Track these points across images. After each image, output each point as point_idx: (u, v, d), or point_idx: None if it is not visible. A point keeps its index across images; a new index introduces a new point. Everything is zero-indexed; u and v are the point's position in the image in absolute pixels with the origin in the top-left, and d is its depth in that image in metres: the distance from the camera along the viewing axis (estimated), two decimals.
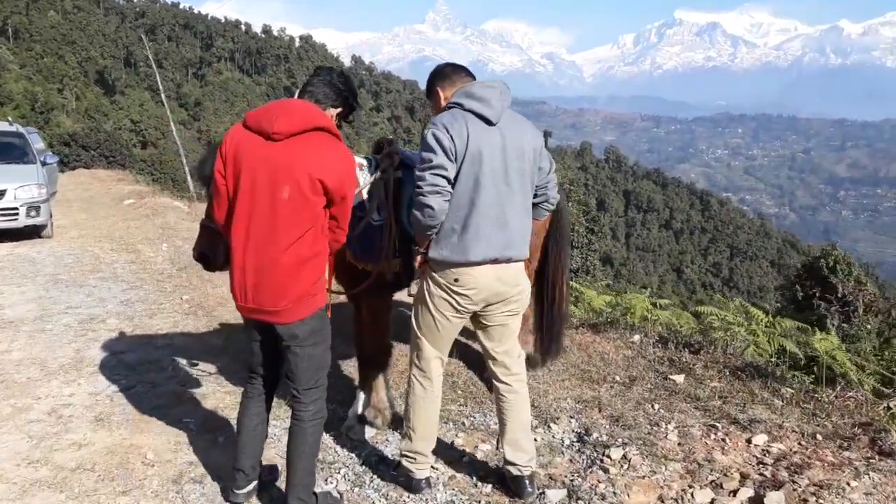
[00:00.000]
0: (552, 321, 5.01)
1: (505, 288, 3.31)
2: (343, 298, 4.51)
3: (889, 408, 4.50)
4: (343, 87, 3.38)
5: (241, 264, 3.00)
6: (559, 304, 5.00)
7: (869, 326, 9.27)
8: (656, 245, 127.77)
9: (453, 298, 3.29)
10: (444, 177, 3.16)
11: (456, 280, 3.26)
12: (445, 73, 3.55)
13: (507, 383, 3.48)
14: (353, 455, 3.98)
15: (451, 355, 5.16)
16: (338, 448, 4.06)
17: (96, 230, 11.88)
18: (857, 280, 22.51)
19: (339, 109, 3.37)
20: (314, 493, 3.32)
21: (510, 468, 3.51)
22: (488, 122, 3.20)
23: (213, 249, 3.39)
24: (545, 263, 4.93)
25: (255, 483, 3.45)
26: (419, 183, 3.18)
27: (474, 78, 3.52)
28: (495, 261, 3.24)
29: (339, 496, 3.53)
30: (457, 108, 3.25)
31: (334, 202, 3.03)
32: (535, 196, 3.46)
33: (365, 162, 3.93)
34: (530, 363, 5.17)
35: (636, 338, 5.97)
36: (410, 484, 3.55)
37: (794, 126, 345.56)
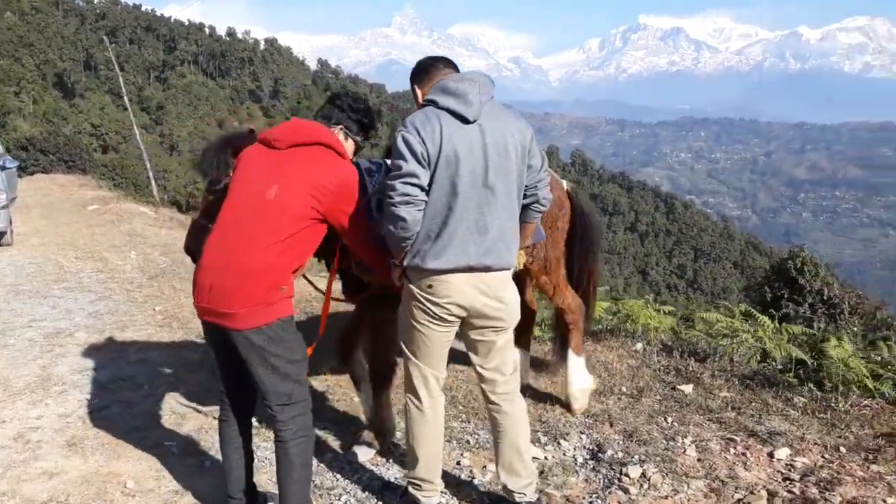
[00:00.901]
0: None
1: (484, 300, 2.99)
2: (342, 307, 4.25)
3: None
4: (343, 104, 3.30)
5: (206, 261, 2.94)
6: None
7: (855, 329, 9.22)
8: (622, 247, 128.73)
9: (428, 307, 2.99)
10: (415, 185, 2.84)
11: (429, 287, 2.97)
12: (423, 67, 3.26)
13: (495, 403, 3.19)
14: (354, 480, 3.69)
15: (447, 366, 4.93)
16: (336, 472, 3.76)
17: (59, 237, 11.37)
18: (825, 281, 22.69)
19: (340, 126, 3.25)
20: None
21: (507, 494, 3.26)
22: (465, 120, 2.89)
23: (199, 245, 3.29)
24: (571, 268, 4.62)
25: None
26: (389, 193, 2.88)
27: (457, 69, 3.21)
28: (470, 269, 2.93)
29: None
30: (430, 107, 2.96)
31: (332, 216, 2.97)
32: (525, 196, 3.09)
33: (374, 167, 3.65)
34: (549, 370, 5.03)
35: (638, 346, 5.75)
36: None
37: (755, 130, 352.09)
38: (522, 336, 4.88)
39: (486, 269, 2.95)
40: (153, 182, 21.92)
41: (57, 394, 4.81)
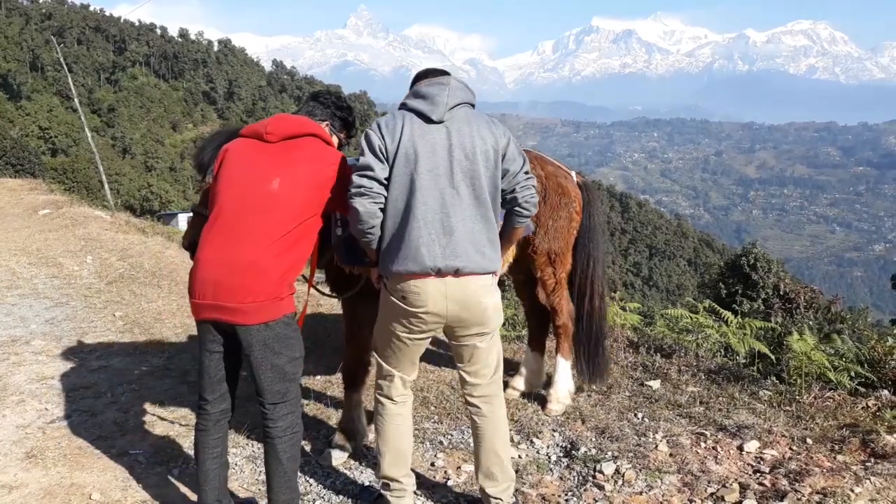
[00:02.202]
0: (588, 338, 4.57)
1: (457, 307, 2.93)
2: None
3: (868, 407, 4.45)
4: (328, 101, 3.40)
5: (208, 256, 2.90)
6: (591, 318, 4.55)
7: (811, 323, 9.42)
8: None
9: (405, 317, 2.97)
10: (370, 177, 2.88)
11: (403, 297, 2.94)
12: (417, 76, 3.25)
13: (474, 405, 3.17)
14: (327, 485, 3.64)
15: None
16: (309, 477, 3.70)
17: (10, 243, 10.98)
18: (779, 277, 23.28)
19: (326, 122, 3.34)
20: None
21: (484, 497, 3.24)
22: (430, 120, 2.92)
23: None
24: (573, 271, 4.51)
25: None
26: (348, 186, 2.92)
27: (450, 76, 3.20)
28: (439, 272, 2.88)
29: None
30: (401, 109, 3.02)
31: (335, 201, 3.04)
32: (505, 201, 3.06)
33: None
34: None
35: (607, 341, 5.79)
36: None
37: (706, 129, 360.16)
38: (537, 339, 4.86)
39: (456, 272, 2.90)
40: (106, 186, 21.33)
41: (14, 404, 4.64)
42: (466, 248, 2.90)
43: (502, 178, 3.00)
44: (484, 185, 2.93)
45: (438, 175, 2.88)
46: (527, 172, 3.08)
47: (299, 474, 3.69)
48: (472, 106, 3.07)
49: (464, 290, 2.92)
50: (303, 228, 2.96)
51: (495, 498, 3.19)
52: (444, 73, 3.22)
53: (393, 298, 2.98)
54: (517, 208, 3.09)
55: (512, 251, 4.29)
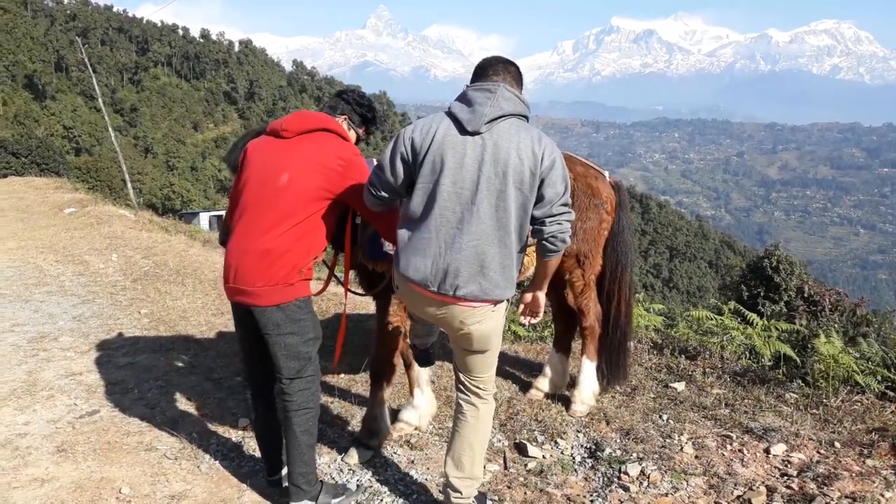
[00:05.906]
0: (611, 343, 4.63)
1: (443, 324, 2.94)
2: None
3: None
4: (349, 98, 3.59)
5: (232, 246, 3.18)
6: (617, 323, 4.61)
7: (836, 325, 9.32)
8: None
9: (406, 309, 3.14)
10: (378, 175, 2.91)
11: (398, 287, 3.02)
12: (478, 68, 2.96)
13: (461, 404, 3.13)
14: (353, 483, 3.65)
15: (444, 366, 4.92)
16: (334, 476, 3.72)
17: (37, 241, 11.15)
18: (802, 279, 22.94)
19: (344, 116, 3.52)
20: (320, 482, 3.36)
21: (445, 484, 3.15)
22: (465, 130, 2.74)
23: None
24: (602, 274, 4.51)
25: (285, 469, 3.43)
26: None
27: (512, 74, 2.94)
28: (438, 288, 2.79)
29: (355, 488, 3.52)
30: (444, 111, 2.89)
31: (343, 194, 3.16)
32: (533, 231, 2.86)
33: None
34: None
35: (629, 345, 5.76)
36: None
37: (727, 130, 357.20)
38: (563, 340, 4.85)
39: (455, 291, 2.78)
40: (129, 185, 21.55)
41: (44, 399, 4.71)
42: (473, 273, 2.77)
43: (535, 204, 2.80)
44: (511, 206, 2.74)
45: (462, 189, 2.73)
46: (565, 204, 2.84)
47: (326, 472, 3.73)
48: (526, 118, 2.86)
49: (453, 314, 2.87)
50: (314, 219, 3.13)
51: (455, 490, 3.09)
52: (508, 65, 2.96)
53: (395, 287, 3.07)
54: (543, 242, 2.87)
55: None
